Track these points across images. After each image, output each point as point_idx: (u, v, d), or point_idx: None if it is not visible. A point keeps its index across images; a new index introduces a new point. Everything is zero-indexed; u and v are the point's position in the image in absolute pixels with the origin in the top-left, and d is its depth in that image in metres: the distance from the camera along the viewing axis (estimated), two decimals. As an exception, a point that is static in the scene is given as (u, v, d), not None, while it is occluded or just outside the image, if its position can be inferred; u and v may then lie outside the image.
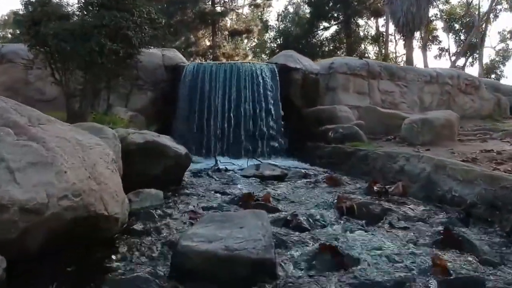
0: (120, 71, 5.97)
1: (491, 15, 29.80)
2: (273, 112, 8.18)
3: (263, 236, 2.50)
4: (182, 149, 4.93)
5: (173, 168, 4.84)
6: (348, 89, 9.17)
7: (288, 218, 3.39)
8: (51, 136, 2.70)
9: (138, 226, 3.23)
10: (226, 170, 6.13)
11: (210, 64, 8.44)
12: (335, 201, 3.90)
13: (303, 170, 5.96)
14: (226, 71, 8.18)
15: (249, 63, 8.49)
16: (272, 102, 8.17)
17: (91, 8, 5.72)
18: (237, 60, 28.26)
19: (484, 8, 29.72)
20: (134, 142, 4.37)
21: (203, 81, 8.20)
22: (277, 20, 38.62)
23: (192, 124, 8.10)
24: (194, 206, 3.80)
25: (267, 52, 39.52)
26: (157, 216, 3.49)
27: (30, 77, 8.29)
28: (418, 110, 9.98)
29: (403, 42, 21.03)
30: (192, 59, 27.33)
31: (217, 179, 5.41)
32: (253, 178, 5.36)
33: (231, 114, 8.07)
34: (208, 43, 28.30)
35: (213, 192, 4.51)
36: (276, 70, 8.34)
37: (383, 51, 31.60)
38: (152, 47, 6.59)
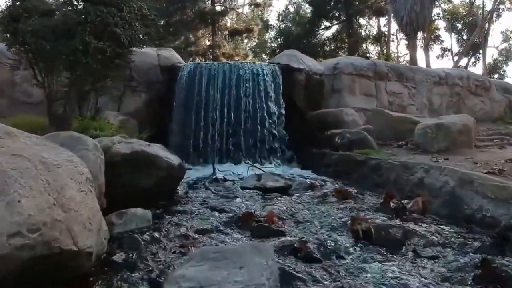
0: (108, 72, 5.43)
1: (494, 15, 29.33)
2: (275, 115, 7.66)
3: (267, 279, 1.99)
4: (175, 160, 4.41)
5: (165, 180, 4.32)
6: (354, 91, 8.64)
7: (296, 245, 2.88)
8: (6, 154, 2.18)
9: (119, 257, 2.71)
10: (225, 179, 5.61)
11: (208, 64, 7.91)
12: (349, 222, 3.38)
13: (308, 181, 5.43)
14: (226, 72, 7.65)
15: (250, 63, 7.97)
16: (274, 104, 7.66)
17: (75, 3, 5.19)
18: (237, 60, 27.76)
19: (487, 7, 29.24)
20: (119, 153, 3.85)
21: (201, 82, 7.68)
22: (278, 19, 38.16)
23: (189, 128, 7.58)
24: (186, 229, 3.28)
25: (267, 51, 39.01)
26: (142, 242, 2.97)
27: (16, 78, 7.75)
28: (427, 112, 9.45)
29: (406, 42, 20.51)
30: (191, 58, 26.82)
31: (215, 191, 4.88)
32: (254, 191, 4.84)
33: (231, 117, 7.54)
34: (208, 43, 27.74)
35: (209, 209, 3.98)
36: (278, 70, 7.82)
37: (385, 51, 31.12)
38: (144, 46, 6.04)
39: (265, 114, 7.58)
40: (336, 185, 5.26)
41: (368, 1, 23.80)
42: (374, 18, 26.11)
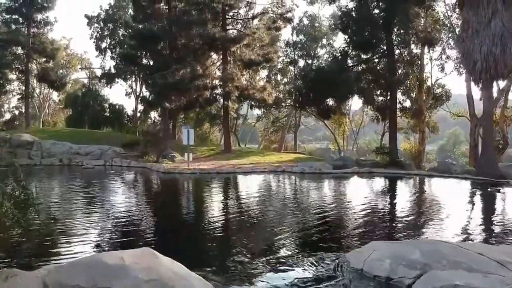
0: None
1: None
2: None
3: None
4: None
5: None
6: None
7: None
8: None
9: None
10: None
11: None
12: None
13: None
14: None
15: None
16: None
17: None
18: (254, 93, 21.60)
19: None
20: None
21: None
22: (291, 34, 32.68)
23: None
24: None
25: (279, 70, 33.47)
26: None
27: None
28: None
29: (480, 91, 15.27)
30: (198, 93, 21.32)
31: None
32: None
33: None
34: (218, 73, 22.05)
35: None
36: None
37: (418, 76, 25.86)
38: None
39: None
40: None
41: (415, 28, 18.42)
42: (419, 46, 20.71)
